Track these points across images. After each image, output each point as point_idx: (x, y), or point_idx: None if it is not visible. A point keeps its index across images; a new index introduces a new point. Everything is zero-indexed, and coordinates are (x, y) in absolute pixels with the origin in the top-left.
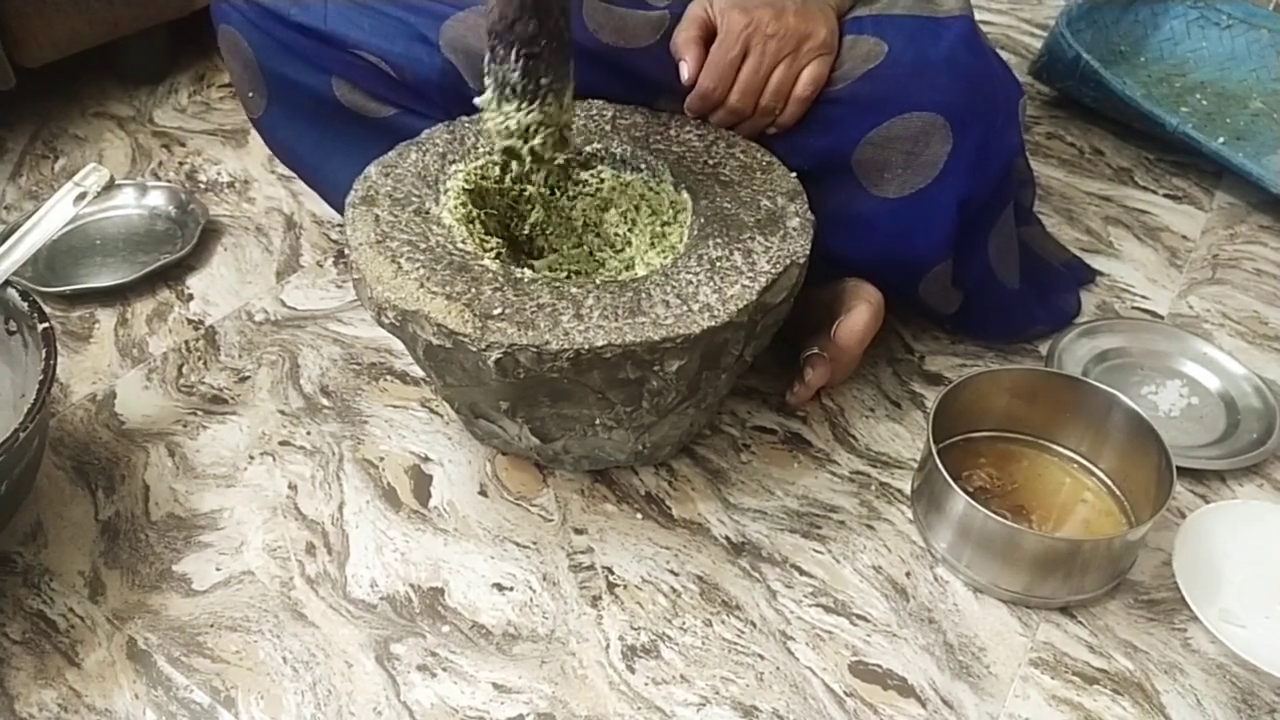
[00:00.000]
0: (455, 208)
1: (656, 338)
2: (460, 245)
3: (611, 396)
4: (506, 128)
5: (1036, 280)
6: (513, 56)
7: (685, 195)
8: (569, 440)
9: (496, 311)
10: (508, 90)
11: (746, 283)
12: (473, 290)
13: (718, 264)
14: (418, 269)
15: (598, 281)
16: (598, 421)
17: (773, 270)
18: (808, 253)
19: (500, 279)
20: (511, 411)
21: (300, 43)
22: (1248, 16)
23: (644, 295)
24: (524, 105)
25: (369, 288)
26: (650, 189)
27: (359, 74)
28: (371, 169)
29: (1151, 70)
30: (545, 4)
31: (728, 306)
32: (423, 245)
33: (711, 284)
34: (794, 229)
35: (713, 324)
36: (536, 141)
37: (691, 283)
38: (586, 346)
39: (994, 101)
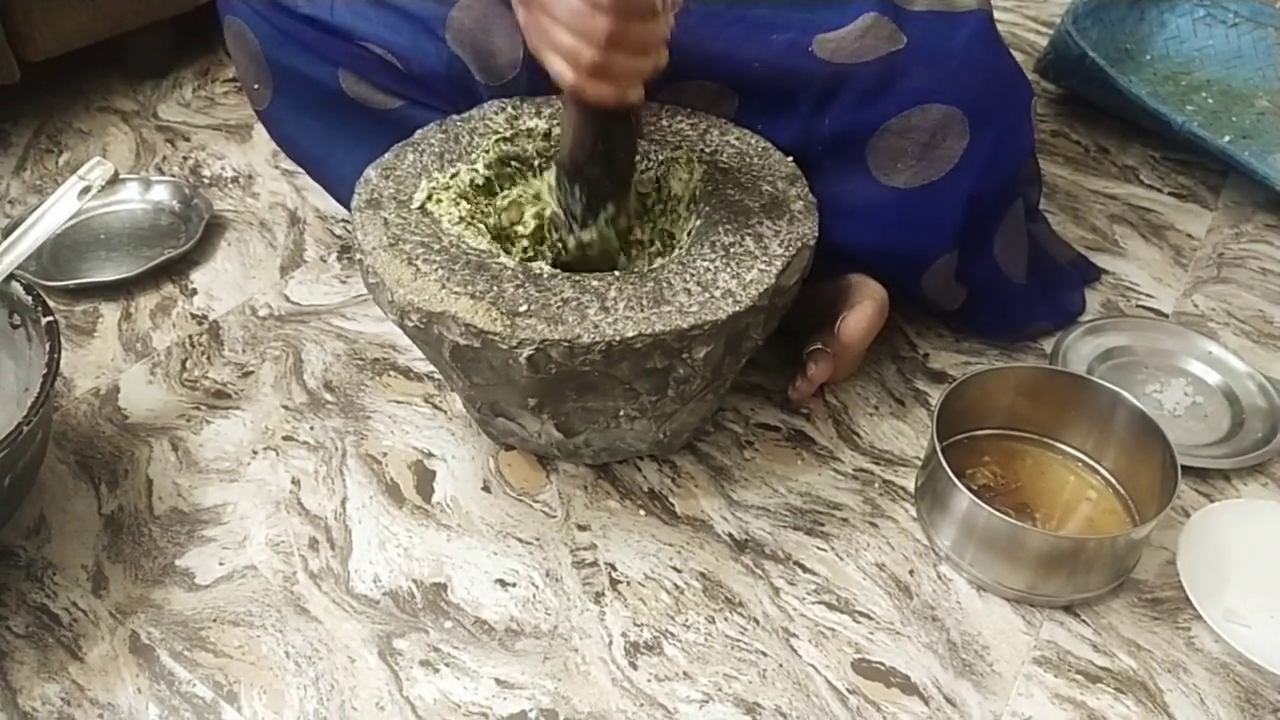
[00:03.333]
0: (455, 216)
1: (685, 325)
2: (472, 244)
3: (638, 386)
4: (572, 241)
5: (1042, 278)
6: (578, 192)
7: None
8: (591, 433)
9: (523, 308)
10: (571, 214)
11: (763, 267)
12: (495, 288)
13: (731, 250)
14: (436, 270)
15: (615, 274)
16: (622, 413)
17: (786, 253)
18: (816, 234)
19: (520, 276)
20: (538, 408)
21: (307, 34)
22: (1254, 15)
23: (665, 285)
24: (584, 226)
25: (389, 291)
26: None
27: (365, 66)
28: (371, 172)
29: (1157, 68)
30: (613, 152)
31: (748, 291)
32: (436, 246)
33: (729, 270)
34: (799, 212)
35: (737, 309)
36: (593, 251)
37: (709, 270)
38: (617, 338)
39: (1009, 99)
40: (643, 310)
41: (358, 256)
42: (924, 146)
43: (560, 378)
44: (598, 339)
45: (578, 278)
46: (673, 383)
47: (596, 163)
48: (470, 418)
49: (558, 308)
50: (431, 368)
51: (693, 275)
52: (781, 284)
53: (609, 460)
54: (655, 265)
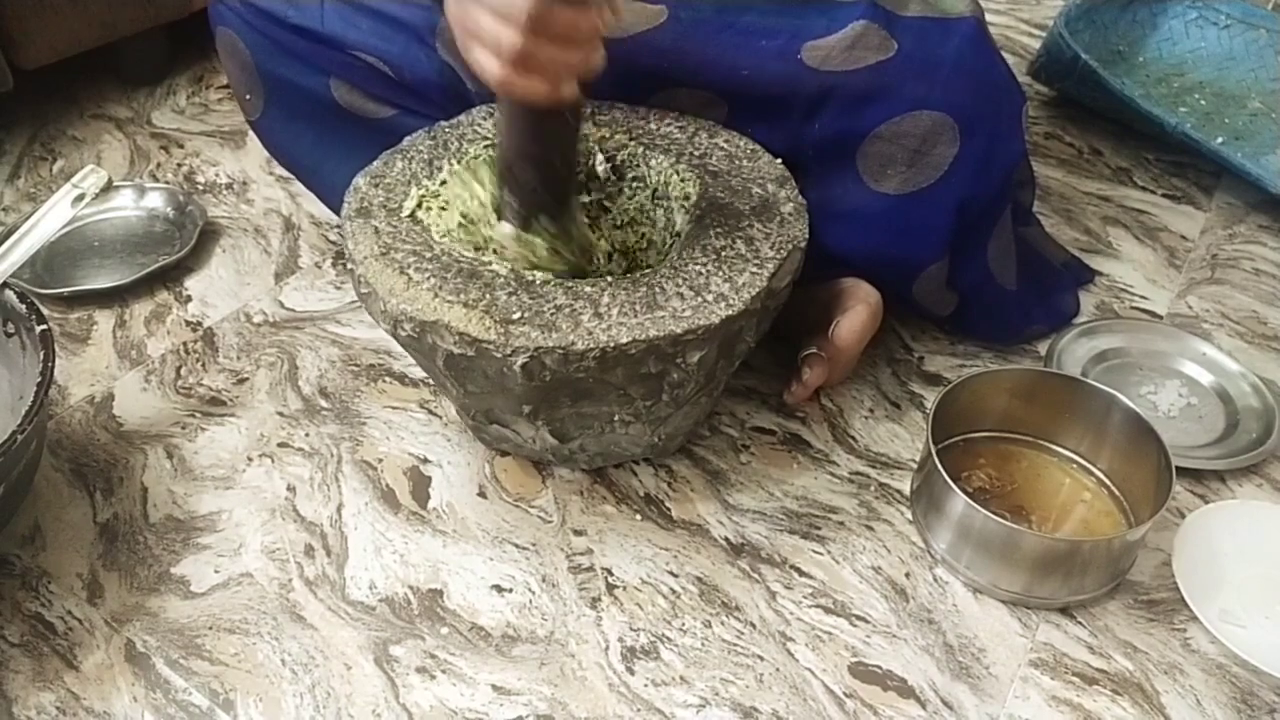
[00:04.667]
0: (444, 224)
1: (679, 330)
2: (464, 252)
3: (632, 392)
4: (510, 246)
5: (1035, 280)
6: (508, 193)
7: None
8: (586, 439)
9: (516, 316)
10: (510, 214)
11: (754, 270)
12: (488, 296)
13: (723, 253)
14: (428, 278)
15: (609, 279)
16: (616, 417)
17: (777, 256)
18: (807, 237)
19: (513, 283)
20: (533, 415)
21: (298, 44)
22: (1246, 16)
23: (658, 289)
24: (523, 231)
25: (382, 301)
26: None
27: (357, 75)
28: (360, 180)
29: (1150, 70)
30: (547, 157)
31: (741, 295)
32: (428, 255)
33: (721, 274)
34: (789, 214)
35: (730, 313)
36: (541, 256)
37: (701, 274)
38: (611, 344)
39: (1000, 106)
40: (636, 316)
41: (349, 266)
42: (914, 153)
43: (555, 384)
44: (592, 345)
45: (570, 284)
46: (667, 387)
47: (529, 166)
48: (464, 425)
49: (551, 315)
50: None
51: (685, 279)
52: (773, 286)
53: (604, 464)
54: (648, 269)
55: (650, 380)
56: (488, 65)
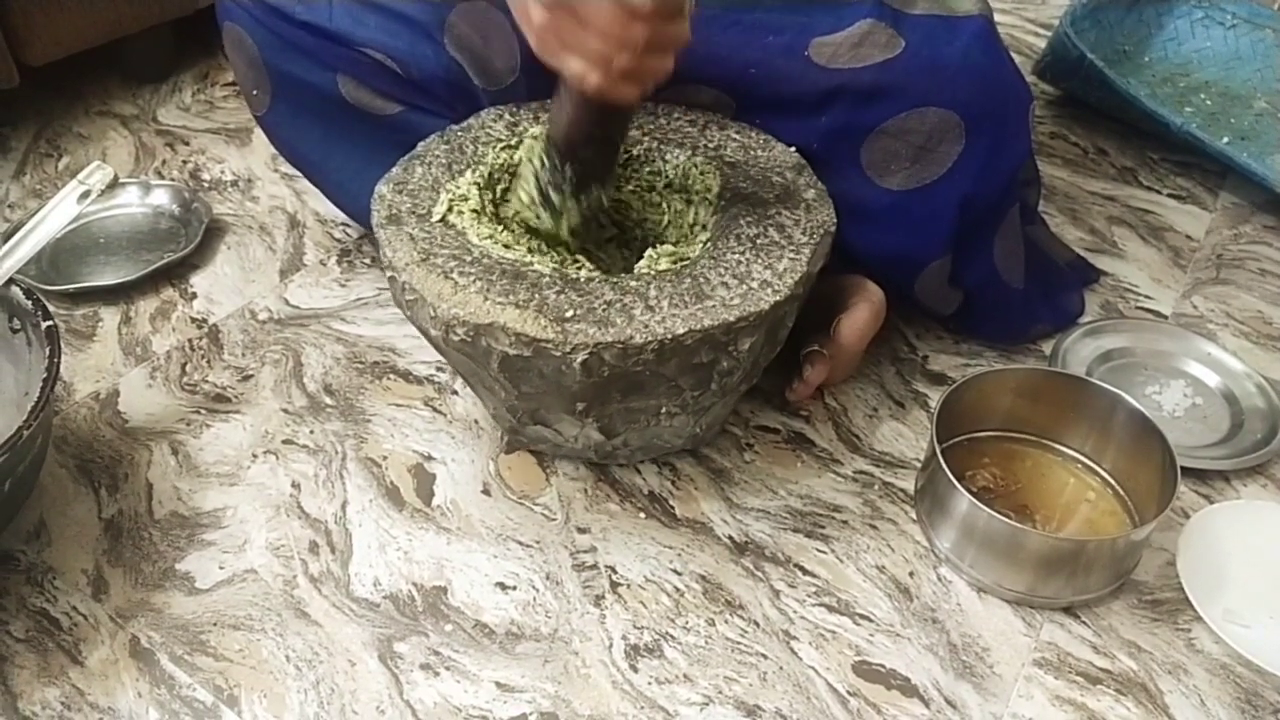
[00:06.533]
0: (479, 228)
1: (731, 318)
2: (503, 254)
3: (682, 382)
4: (543, 225)
5: (1041, 280)
6: (568, 172)
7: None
8: (630, 434)
9: (569, 314)
10: (553, 191)
11: (792, 255)
12: (537, 296)
13: (757, 241)
14: (474, 281)
15: (653, 272)
16: (664, 410)
17: (811, 241)
18: (835, 221)
19: (559, 282)
20: (584, 412)
21: (306, 40)
22: (1252, 16)
23: (702, 280)
24: (566, 205)
25: (431, 307)
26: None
27: (365, 71)
28: (383, 188)
29: (1156, 70)
30: (609, 137)
31: (784, 280)
32: (468, 258)
33: (760, 261)
34: (813, 200)
35: (777, 298)
36: (570, 234)
37: (741, 262)
38: (669, 336)
39: (1007, 104)
40: (687, 307)
41: (389, 274)
42: (919, 149)
43: (611, 379)
44: (650, 338)
45: (615, 279)
46: (716, 376)
47: (591, 146)
48: (469, 422)
49: (603, 310)
50: (432, 371)
51: (726, 268)
52: (811, 271)
53: (643, 459)
54: (688, 260)
55: (701, 370)
56: (588, 76)
